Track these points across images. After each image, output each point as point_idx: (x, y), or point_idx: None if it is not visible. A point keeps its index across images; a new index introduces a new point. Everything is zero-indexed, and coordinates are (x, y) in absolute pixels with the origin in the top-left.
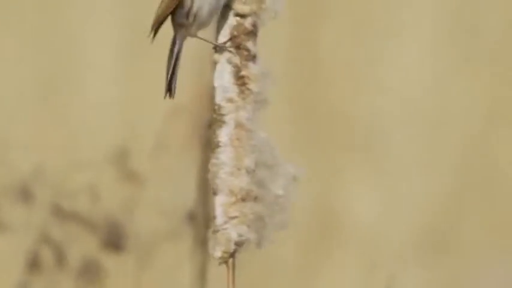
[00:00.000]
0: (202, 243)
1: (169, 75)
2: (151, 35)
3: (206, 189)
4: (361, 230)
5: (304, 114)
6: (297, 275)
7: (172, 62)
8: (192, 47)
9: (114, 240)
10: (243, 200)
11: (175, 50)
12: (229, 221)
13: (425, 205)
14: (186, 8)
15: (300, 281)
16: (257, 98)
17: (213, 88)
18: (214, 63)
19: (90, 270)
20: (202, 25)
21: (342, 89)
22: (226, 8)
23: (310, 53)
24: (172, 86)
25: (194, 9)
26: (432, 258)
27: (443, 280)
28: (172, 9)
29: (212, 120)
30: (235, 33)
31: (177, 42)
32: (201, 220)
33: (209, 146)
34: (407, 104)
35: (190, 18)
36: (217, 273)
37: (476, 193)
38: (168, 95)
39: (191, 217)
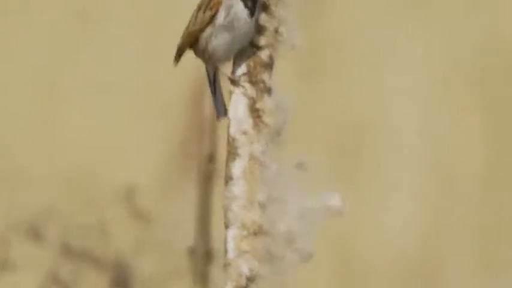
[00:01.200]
0: (202, 278)
1: (212, 100)
2: (174, 62)
3: (205, 224)
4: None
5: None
6: None
7: (211, 89)
8: (189, 78)
9: (122, 280)
10: (255, 234)
11: (209, 79)
12: (241, 255)
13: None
14: (201, 47)
15: None
16: (271, 131)
17: (212, 120)
18: (230, 93)
19: None
20: (220, 62)
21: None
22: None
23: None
24: (217, 108)
25: (209, 49)
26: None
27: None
28: (189, 45)
29: (226, 153)
30: (252, 64)
31: (208, 71)
32: (199, 255)
33: (208, 179)
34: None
35: (206, 56)
36: None
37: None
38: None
39: (191, 252)
